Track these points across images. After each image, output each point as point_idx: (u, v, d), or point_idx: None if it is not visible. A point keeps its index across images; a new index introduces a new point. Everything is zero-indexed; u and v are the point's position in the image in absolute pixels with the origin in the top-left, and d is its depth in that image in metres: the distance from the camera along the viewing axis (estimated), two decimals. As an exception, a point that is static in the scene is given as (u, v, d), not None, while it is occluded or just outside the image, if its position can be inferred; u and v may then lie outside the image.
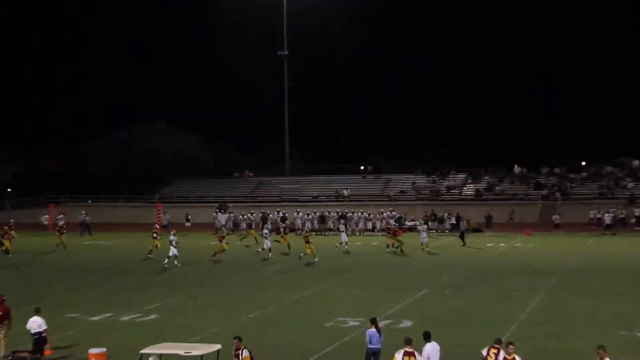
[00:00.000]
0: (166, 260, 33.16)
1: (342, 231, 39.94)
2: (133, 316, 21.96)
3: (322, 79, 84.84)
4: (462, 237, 40.66)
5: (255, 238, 42.63)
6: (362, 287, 26.75)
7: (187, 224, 52.04)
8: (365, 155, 78.08)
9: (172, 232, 34.81)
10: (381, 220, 49.80)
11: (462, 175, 65.23)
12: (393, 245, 37.60)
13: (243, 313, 22.18)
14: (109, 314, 22.20)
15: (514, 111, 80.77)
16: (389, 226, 40.36)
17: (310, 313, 22.25)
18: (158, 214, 53.53)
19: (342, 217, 49.90)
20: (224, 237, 36.08)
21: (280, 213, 51.26)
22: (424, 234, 38.45)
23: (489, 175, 63.54)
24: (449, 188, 62.39)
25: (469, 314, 21.71)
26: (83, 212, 54.42)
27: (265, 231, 37.14)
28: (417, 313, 21.82)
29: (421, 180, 65.20)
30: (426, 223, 44.24)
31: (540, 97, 79.81)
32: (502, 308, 22.38)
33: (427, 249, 37.74)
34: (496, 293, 24.92)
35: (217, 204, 58.40)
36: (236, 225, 51.85)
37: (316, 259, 34.01)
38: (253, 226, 45.92)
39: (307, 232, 36.60)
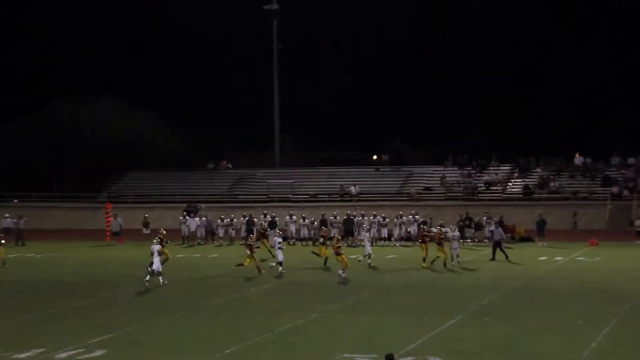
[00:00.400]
0: (158, 277, 33.05)
1: (366, 240, 39.79)
2: (73, 352, 21.84)
3: (323, 44, 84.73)
4: (495, 248, 40.27)
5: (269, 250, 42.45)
6: (374, 312, 26.67)
7: (146, 231, 52.00)
8: (380, 141, 78.05)
9: (155, 240, 34.78)
10: (399, 225, 49.77)
11: (506, 168, 65.25)
12: (424, 260, 37.68)
13: (219, 347, 22.09)
14: (41, 350, 22.08)
15: (574, 84, 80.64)
16: (430, 232, 40.07)
17: (306, 347, 22.16)
18: (107, 217, 53.46)
19: (348, 221, 49.85)
20: (251, 245, 36.06)
21: (268, 217, 51.18)
22: (455, 244, 38.43)
23: (541, 167, 63.51)
24: (488, 184, 62.38)
25: (516, 349, 21.61)
26: (7, 215, 54.30)
27: (278, 239, 37.23)
28: (448, 348, 21.72)
29: (452, 173, 65.20)
30: (460, 230, 44.11)
31: (610, 64, 79.72)
32: (558, 341, 22.29)
33: (458, 260, 38.06)
34: (551, 322, 24.83)
35: (185, 205, 58.35)
36: (211, 233, 51.79)
37: (342, 273, 34.45)
38: (293, 234, 45.29)
39: (337, 239, 36.64)
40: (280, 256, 36.48)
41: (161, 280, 32.84)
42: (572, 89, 79.46)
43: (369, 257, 38.65)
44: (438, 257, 37.64)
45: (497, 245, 40.37)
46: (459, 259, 38.23)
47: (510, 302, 28.46)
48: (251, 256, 35.39)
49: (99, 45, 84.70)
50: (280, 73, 71.80)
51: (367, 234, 41.87)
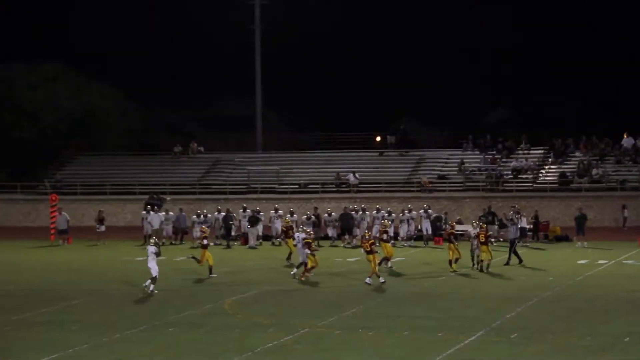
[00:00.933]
0: (148, 282, 33.60)
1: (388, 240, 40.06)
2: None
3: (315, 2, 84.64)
4: (512, 250, 40.33)
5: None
6: (377, 328, 26.71)
7: (100, 228, 51.83)
8: (385, 119, 78.01)
9: (152, 241, 35.20)
10: (407, 221, 49.69)
11: (539, 151, 65.29)
12: (454, 262, 38.08)
13: (186, 371, 22.13)
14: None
15: (620, 47, 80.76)
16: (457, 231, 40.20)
17: (294, 371, 22.21)
18: (52, 212, 53.22)
19: (346, 217, 49.84)
20: (311, 242, 36.62)
21: (248, 211, 51.19)
22: (476, 244, 38.51)
23: (581, 151, 63.52)
24: (517, 171, 62.39)
25: (550, 373, 21.69)
26: None
27: (301, 236, 37.47)
28: (467, 371, 21.79)
29: (473, 158, 65.23)
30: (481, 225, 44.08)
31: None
32: (602, 363, 22.36)
33: (478, 265, 38.23)
34: (592, 339, 24.89)
35: (146, 197, 58.27)
36: (182, 232, 51.68)
37: (382, 280, 34.84)
38: (279, 233, 45.39)
39: (368, 235, 36.85)
40: (302, 256, 36.85)
41: (151, 288, 33.38)
42: (617, 53, 79.44)
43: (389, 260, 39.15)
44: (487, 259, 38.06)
45: (510, 244, 40.46)
46: (479, 264, 38.41)
47: (543, 316, 28.50)
48: (311, 255, 36.24)
49: (43, 4, 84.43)
50: (264, 36, 71.59)
51: (391, 230, 41.81)
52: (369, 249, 35.19)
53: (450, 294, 33.10)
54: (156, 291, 33.28)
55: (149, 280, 33.49)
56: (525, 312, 29.15)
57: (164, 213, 52.14)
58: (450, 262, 38.22)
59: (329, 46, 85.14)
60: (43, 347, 24.65)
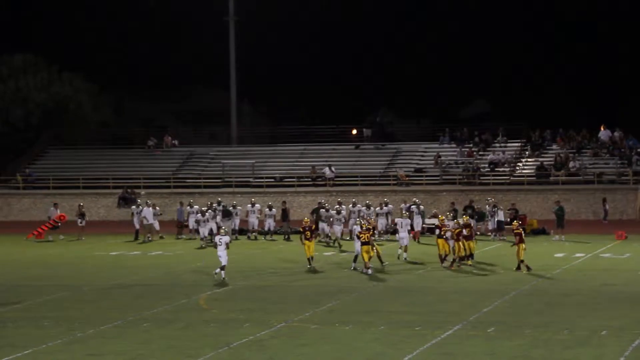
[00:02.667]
0: (221, 272, 34.76)
1: (403, 230, 40.42)
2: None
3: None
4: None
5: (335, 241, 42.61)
6: (354, 323, 26.77)
7: (81, 222, 51.63)
8: (360, 111, 78.08)
9: (223, 231, 36.45)
10: (386, 215, 49.72)
11: (516, 144, 65.48)
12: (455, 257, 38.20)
13: (161, 367, 22.15)
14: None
15: (598, 42, 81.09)
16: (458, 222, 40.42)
17: (270, 366, 22.23)
18: (57, 218, 52.16)
19: (320, 209, 49.79)
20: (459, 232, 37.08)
21: (222, 205, 51.13)
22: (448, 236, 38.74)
23: (559, 144, 63.77)
24: (494, 164, 62.57)
25: (527, 367, 21.78)
26: None
27: (357, 228, 37.39)
28: (444, 365, 21.86)
29: (450, 151, 65.33)
30: (455, 219, 44.19)
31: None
32: (578, 357, 22.47)
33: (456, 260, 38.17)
34: (569, 333, 25.01)
35: (120, 191, 58.19)
36: (183, 225, 51.52)
37: (369, 271, 35.63)
38: (255, 227, 44.62)
39: (366, 226, 36.77)
40: (358, 248, 36.89)
41: (222, 275, 34.79)
42: (596, 48, 79.73)
43: (404, 252, 39.76)
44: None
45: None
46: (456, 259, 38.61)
47: (520, 309, 28.64)
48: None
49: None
50: (238, 27, 71.45)
51: (407, 223, 41.97)
52: (366, 240, 35.35)
53: (428, 288, 33.20)
54: (225, 278, 34.61)
55: (219, 269, 34.67)
56: (503, 306, 29.28)
57: (151, 208, 51.82)
58: (453, 258, 38.38)
59: (305, 38, 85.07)
60: (15, 343, 24.59)
